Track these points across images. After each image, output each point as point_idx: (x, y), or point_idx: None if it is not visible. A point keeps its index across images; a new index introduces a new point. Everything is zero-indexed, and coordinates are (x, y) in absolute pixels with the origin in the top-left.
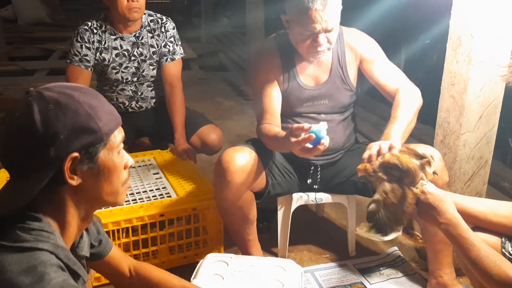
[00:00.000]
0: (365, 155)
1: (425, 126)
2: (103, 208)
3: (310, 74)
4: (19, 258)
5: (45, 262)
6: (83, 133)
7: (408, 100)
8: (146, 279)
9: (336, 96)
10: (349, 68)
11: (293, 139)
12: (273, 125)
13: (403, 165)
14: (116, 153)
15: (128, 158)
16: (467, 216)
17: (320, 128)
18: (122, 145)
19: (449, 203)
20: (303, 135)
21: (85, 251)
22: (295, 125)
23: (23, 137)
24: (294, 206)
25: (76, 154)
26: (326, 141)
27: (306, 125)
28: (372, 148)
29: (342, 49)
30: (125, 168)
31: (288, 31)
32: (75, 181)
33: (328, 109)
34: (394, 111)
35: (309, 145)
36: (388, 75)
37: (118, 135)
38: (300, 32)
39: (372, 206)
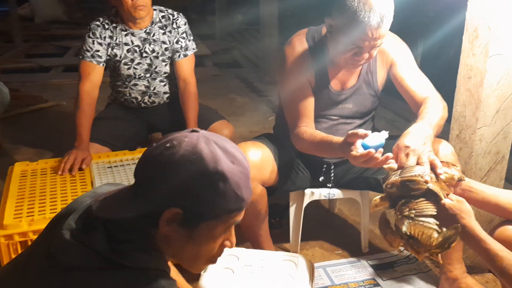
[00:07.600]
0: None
1: None
2: None
3: (339, 78)
4: (147, 280)
5: (170, 281)
6: (198, 199)
7: (437, 108)
8: None
9: (360, 102)
10: (378, 73)
11: (353, 153)
12: (312, 128)
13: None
14: (221, 229)
15: (230, 240)
16: (492, 206)
17: (381, 142)
18: (233, 226)
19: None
20: (358, 145)
21: None
22: (350, 131)
23: (158, 164)
24: (306, 201)
25: (179, 211)
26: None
27: (360, 131)
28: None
29: None
30: (220, 247)
31: (328, 35)
32: (164, 231)
33: (351, 114)
34: (421, 113)
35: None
36: (419, 83)
37: (235, 218)
38: (345, 43)
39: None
